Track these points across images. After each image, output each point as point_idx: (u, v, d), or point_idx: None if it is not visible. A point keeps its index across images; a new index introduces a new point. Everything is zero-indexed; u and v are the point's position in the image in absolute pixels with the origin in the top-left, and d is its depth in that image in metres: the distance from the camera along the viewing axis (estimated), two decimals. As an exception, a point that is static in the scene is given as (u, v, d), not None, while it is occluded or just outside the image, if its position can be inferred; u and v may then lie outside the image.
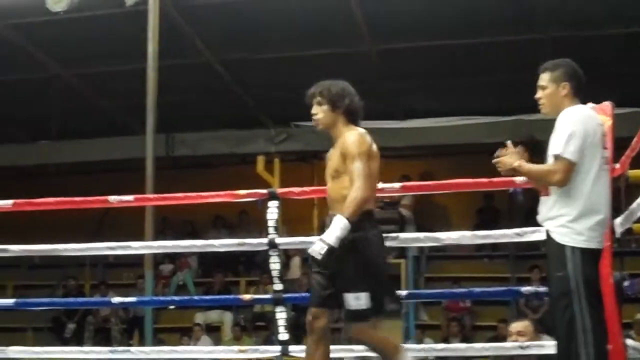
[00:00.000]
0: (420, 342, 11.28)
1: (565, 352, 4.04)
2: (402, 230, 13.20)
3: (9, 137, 14.48)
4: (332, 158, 4.61)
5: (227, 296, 10.12)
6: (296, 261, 14.12)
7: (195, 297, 10.77)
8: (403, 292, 6.02)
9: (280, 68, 11.56)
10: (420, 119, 12.89)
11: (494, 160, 4.30)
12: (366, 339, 4.57)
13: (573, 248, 4.03)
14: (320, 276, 4.59)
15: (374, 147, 4.62)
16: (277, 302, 5.33)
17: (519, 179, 4.82)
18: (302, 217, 13.78)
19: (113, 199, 5.54)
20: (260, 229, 5.44)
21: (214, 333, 13.39)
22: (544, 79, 4.26)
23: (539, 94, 4.28)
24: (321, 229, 4.70)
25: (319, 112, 4.71)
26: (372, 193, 4.55)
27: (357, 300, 4.39)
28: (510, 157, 4.25)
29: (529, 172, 4.22)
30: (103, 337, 13.81)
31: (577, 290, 3.99)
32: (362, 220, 4.40)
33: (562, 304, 4.03)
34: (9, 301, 5.94)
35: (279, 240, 5.34)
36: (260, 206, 5.41)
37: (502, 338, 8.35)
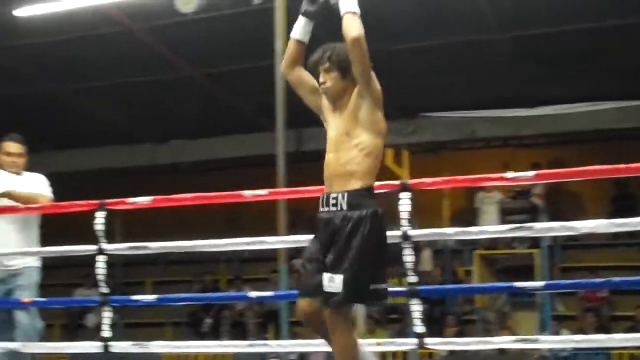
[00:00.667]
0: (557, 334, 11.06)
1: None
2: (534, 220, 12.98)
3: (144, 137, 14.90)
4: (339, 126, 4.22)
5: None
6: (427, 254, 14.04)
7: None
8: (539, 284, 5.85)
9: (407, 59, 11.50)
10: (550, 106, 12.61)
11: None
12: (332, 329, 4.10)
13: None
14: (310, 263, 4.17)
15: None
16: (412, 294, 5.27)
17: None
18: (432, 209, 13.70)
19: (247, 193, 5.60)
20: (390, 221, 5.39)
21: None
22: None
23: None
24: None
25: (328, 80, 4.20)
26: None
27: (330, 282, 4.01)
28: None
29: None
30: (239, 332, 14.04)
31: None
32: (364, 197, 4.13)
33: None
34: (151, 297, 6.07)
35: (412, 232, 5.28)
36: (390, 199, 5.37)
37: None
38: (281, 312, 9.34)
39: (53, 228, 6.56)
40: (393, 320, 13.16)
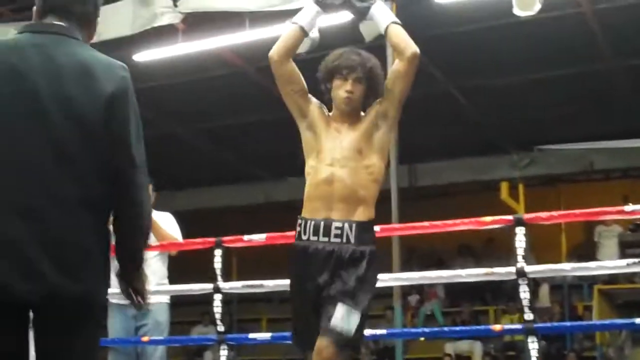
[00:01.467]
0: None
1: None
2: (657, 253, 12.62)
3: (259, 175, 15.13)
4: (350, 141, 3.84)
5: (477, 327, 9.99)
6: (545, 289, 13.79)
7: (445, 328, 10.73)
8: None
9: (517, 92, 11.40)
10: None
11: None
12: None
13: None
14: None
15: None
16: (528, 332, 5.19)
17: None
18: (549, 243, 13.45)
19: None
20: (506, 256, 5.35)
21: (464, 363, 13.33)
22: None
23: None
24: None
25: (356, 90, 3.85)
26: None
27: (348, 316, 3.60)
28: None
29: None
30: (354, 368, 14.04)
31: None
32: (371, 231, 3.82)
33: None
34: (267, 335, 6.14)
35: (528, 268, 5.20)
36: (498, 235, 5.32)
37: None
38: (396, 350, 9.27)
39: (173, 266, 6.71)
40: (510, 357, 12.96)
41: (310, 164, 3.99)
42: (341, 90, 3.86)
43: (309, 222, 3.82)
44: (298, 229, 3.87)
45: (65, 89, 2.71)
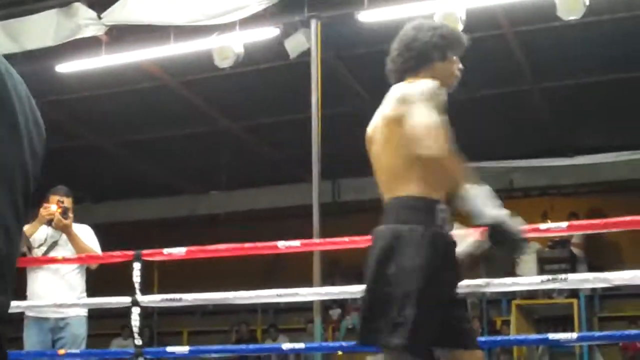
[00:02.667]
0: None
1: None
2: (573, 269, 12.91)
3: (184, 188, 15.06)
4: None
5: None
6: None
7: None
8: (573, 335, 5.82)
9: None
10: (589, 155, 12.59)
11: None
12: None
13: None
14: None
15: None
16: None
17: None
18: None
19: (281, 244, 5.67)
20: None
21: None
22: None
23: None
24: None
25: None
26: None
27: None
28: None
29: None
30: (276, 382, 14.03)
31: None
32: None
33: None
34: (185, 349, 6.12)
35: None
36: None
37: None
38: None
39: (93, 278, 6.65)
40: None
41: None
42: (456, 67, 3.82)
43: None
44: (442, 215, 3.52)
45: None
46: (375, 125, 3.80)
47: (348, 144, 12.30)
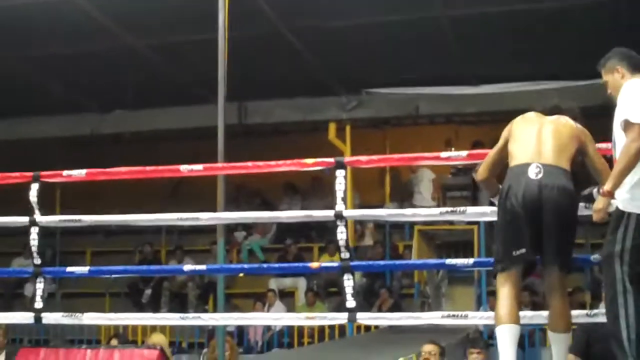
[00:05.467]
0: (492, 309, 11.24)
1: (609, 312, 4.20)
2: (474, 195, 13.21)
3: (86, 106, 14.76)
4: None
5: (296, 264, 10.18)
6: (369, 228, 14.19)
7: (264, 265, 10.91)
8: (468, 261, 5.98)
9: (350, 35, 11.53)
10: (493, 84, 12.75)
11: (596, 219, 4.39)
12: None
13: (630, 214, 4.15)
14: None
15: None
16: (344, 270, 5.35)
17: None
18: (374, 185, 13.84)
19: (184, 168, 5.63)
20: (332, 194, 5.49)
21: (288, 299, 13.56)
22: (603, 75, 4.56)
23: (608, 91, 4.52)
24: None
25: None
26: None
27: None
28: (597, 203, 4.35)
29: (620, 176, 4.20)
30: (179, 303, 14.07)
31: (621, 254, 4.13)
32: None
33: (606, 265, 4.22)
34: (84, 269, 6.07)
35: (346, 213, 5.35)
36: (328, 174, 5.44)
37: (577, 306, 8.28)
38: (218, 286, 9.36)
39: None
40: (332, 293, 13.29)
41: None
42: None
43: None
44: None
45: None
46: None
47: (256, 66, 12.30)
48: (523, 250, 4.46)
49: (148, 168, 5.77)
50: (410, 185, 14.49)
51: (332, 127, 13.37)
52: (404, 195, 14.66)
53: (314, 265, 7.44)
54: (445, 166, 13.49)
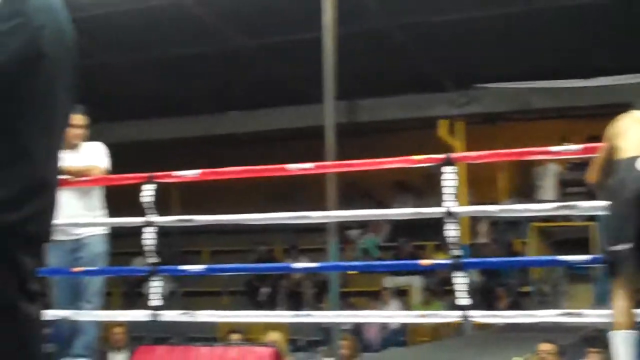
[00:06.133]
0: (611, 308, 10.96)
1: None
2: (591, 192, 12.88)
3: (199, 108, 15.03)
4: None
5: (407, 261, 10.15)
6: (484, 226, 14.03)
7: (375, 263, 10.91)
8: (588, 257, 5.85)
9: (460, 29, 11.41)
10: (606, 77, 12.43)
11: None
12: None
13: None
14: None
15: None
16: (456, 267, 5.30)
17: None
18: (488, 181, 13.67)
19: (292, 167, 5.67)
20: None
21: (403, 297, 13.53)
22: None
23: None
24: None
25: None
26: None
27: None
28: None
29: None
30: (295, 301, 14.20)
31: None
32: None
33: None
34: (200, 267, 6.18)
35: (456, 209, 5.30)
36: (437, 171, 5.40)
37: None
38: (331, 283, 9.40)
39: (117, 197, 6.69)
40: (447, 292, 13.18)
41: None
42: None
43: None
44: None
45: None
46: None
47: (364, 64, 12.29)
48: (629, 245, 4.33)
49: (258, 167, 5.84)
50: (535, 180, 14.22)
51: (443, 124, 13.27)
52: (526, 191, 14.41)
53: (426, 262, 7.40)
54: (562, 162, 13.24)
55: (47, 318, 3.04)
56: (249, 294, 14.75)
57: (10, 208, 2.81)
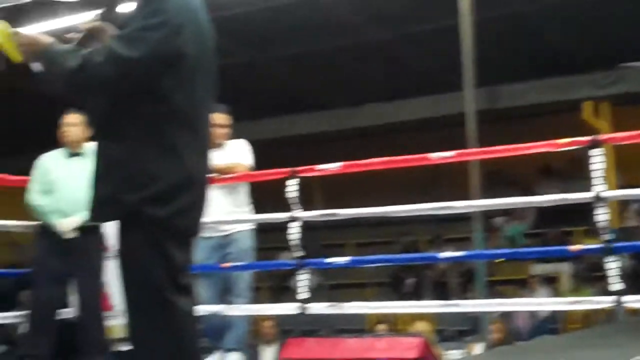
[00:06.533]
0: None
1: None
2: None
3: (335, 102, 15.11)
4: None
5: (555, 247, 9.90)
6: (633, 208, 13.59)
7: (523, 250, 10.69)
8: None
9: (599, 8, 11.05)
10: None
11: None
12: None
13: None
14: None
15: None
16: (607, 252, 5.14)
17: None
18: (636, 162, 13.19)
19: (434, 155, 5.63)
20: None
21: (551, 284, 13.24)
22: None
23: None
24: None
25: None
26: None
27: None
28: None
29: None
30: (441, 291, 14.09)
31: None
32: None
33: None
34: (345, 259, 6.21)
35: (605, 193, 5.14)
36: (583, 155, 5.26)
37: None
38: (477, 272, 9.30)
39: (260, 194, 6.80)
40: (597, 278, 12.83)
41: None
42: None
43: None
44: None
45: None
46: None
47: (504, 49, 12.08)
48: None
49: (398, 158, 5.82)
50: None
51: (587, 106, 12.89)
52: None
53: (574, 248, 7.20)
54: None
55: (198, 313, 3.10)
56: (394, 286, 14.74)
57: (160, 204, 2.90)
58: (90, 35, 3.11)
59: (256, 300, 7.34)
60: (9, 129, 14.10)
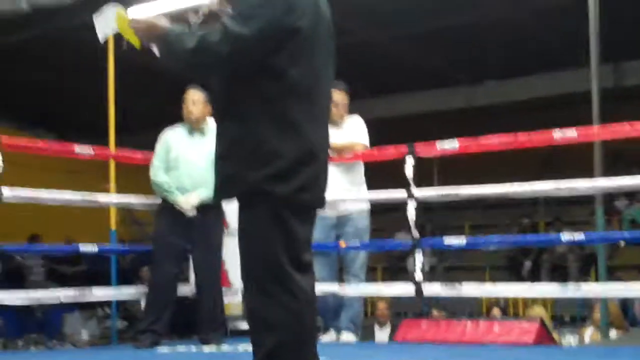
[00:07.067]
0: None
1: None
2: None
3: (459, 79, 14.91)
4: None
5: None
6: None
7: (644, 233, 10.30)
8: None
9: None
10: None
11: None
12: None
13: None
14: None
15: None
16: None
17: None
18: None
19: (557, 135, 5.46)
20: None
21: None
22: None
23: None
24: None
25: None
26: None
27: None
28: None
29: None
30: (560, 274, 13.81)
31: None
32: None
33: None
34: (461, 240, 6.08)
35: None
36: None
37: None
38: (598, 255, 9.02)
39: (376, 173, 6.74)
40: None
41: None
42: None
43: None
44: None
45: None
46: None
47: (630, 22, 11.63)
48: None
49: (519, 137, 5.66)
50: None
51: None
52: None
53: None
54: None
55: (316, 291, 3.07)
56: (511, 269, 14.50)
57: (283, 180, 2.91)
58: (210, 15, 3.14)
59: (371, 280, 7.29)
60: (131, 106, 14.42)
